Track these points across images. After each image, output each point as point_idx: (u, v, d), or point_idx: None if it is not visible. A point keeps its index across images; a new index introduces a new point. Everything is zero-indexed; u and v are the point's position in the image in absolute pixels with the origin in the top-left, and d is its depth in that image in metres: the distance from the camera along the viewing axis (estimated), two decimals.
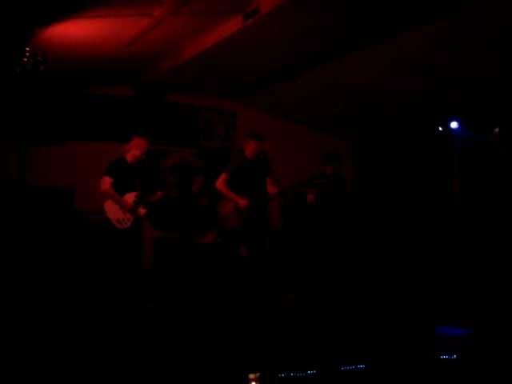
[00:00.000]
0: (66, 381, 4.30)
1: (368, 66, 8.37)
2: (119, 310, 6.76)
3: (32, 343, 5.28)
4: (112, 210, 7.20)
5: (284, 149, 10.47)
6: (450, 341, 5.51)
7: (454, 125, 9.30)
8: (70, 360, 4.77)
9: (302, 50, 7.96)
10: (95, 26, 6.94)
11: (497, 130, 9.17)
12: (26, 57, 6.55)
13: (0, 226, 7.84)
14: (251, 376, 3.73)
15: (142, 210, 7.31)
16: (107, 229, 7.39)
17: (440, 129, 9.41)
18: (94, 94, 9.77)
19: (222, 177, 7.59)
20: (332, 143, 11.01)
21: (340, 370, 4.71)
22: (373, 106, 9.85)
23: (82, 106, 9.68)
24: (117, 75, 9.29)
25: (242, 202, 7.37)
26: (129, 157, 7.36)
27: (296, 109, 10.83)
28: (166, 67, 8.75)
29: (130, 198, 7.24)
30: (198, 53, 7.94)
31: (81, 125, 9.65)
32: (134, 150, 7.36)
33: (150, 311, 6.99)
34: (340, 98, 9.75)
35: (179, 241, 8.44)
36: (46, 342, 5.33)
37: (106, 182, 7.18)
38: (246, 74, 9.18)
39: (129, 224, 7.22)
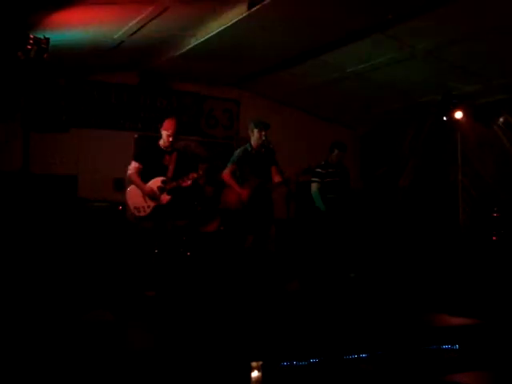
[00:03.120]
0: (67, 368, 4.32)
1: (372, 54, 8.33)
2: (122, 297, 6.76)
3: (33, 330, 5.30)
4: (132, 197, 7.10)
5: (288, 138, 10.45)
6: (452, 330, 5.51)
7: (458, 115, 9.27)
8: (72, 347, 4.79)
9: (307, 38, 7.92)
10: (99, 12, 6.91)
11: (501, 119, 9.15)
12: (30, 44, 6.54)
13: (4, 215, 7.86)
14: (254, 364, 3.74)
15: (164, 197, 7.14)
16: (110, 216, 7.38)
17: (444, 118, 9.38)
18: (98, 81, 9.75)
19: (229, 167, 7.60)
20: (337, 132, 11.00)
21: (342, 359, 4.72)
22: (377, 95, 9.83)
23: (86, 93, 9.67)
24: (121, 63, 9.26)
25: (242, 194, 7.37)
26: (161, 141, 7.23)
27: (300, 98, 10.79)
28: (171, 55, 8.72)
29: (155, 183, 7.10)
30: (202, 41, 7.91)
31: (84, 112, 9.64)
32: (163, 131, 7.20)
33: (153, 299, 7.00)
34: (344, 87, 9.72)
35: (183, 229, 8.43)
36: (47, 329, 5.35)
37: (133, 167, 7.10)
38: (250, 63, 9.15)
39: (148, 211, 7.08)
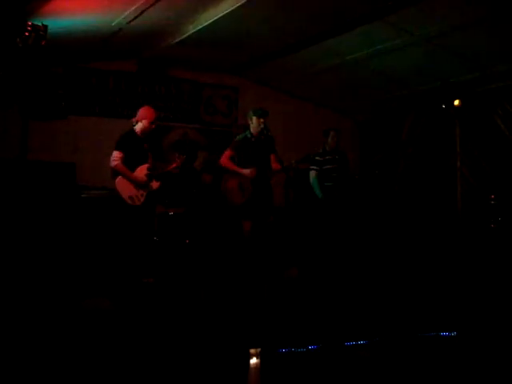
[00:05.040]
0: (66, 355, 4.34)
1: (371, 41, 8.31)
2: (120, 284, 6.77)
3: (32, 317, 5.32)
4: (123, 187, 6.99)
5: (287, 125, 10.46)
6: (450, 318, 5.53)
7: (457, 103, 9.26)
8: (71, 333, 4.81)
9: (306, 25, 7.90)
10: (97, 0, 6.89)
11: (500, 107, 9.14)
12: (28, 31, 6.51)
13: (2, 202, 7.87)
14: (252, 351, 3.75)
15: (154, 184, 7.16)
16: (109, 203, 7.37)
17: (443, 107, 9.37)
18: (96, 68, 9.74)
19: (226, 153, 7.59)
20: (336, 120, 10.99)
21: (341, 346, 4.74)
22: (377, 82, 9.81)
23: (84, 80, 9.65)
24: (119, 50, 9.24)
25: (247, 172, 7.36)
26: (138, 129, 7.14)
27: (299, 85, 10.77)
28: (169, 42, 8.69)
29: (142, 171, 7.08)
30: (200, 28, 7.88)
31: (83, 100, 9.63)
32: (142, 120, 7.13)
33: (151, 286, 7.01)
34: (344, 74, 9.70)
35: (181, 216, 8.45)
36: (46, 316, 5.37)
37: (117, 157, 6.95)
38: (249, 50, 9.12)
39: (142, 200, 7.03)
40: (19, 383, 3.96)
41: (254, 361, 3.72)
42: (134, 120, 7.22)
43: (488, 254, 8.37)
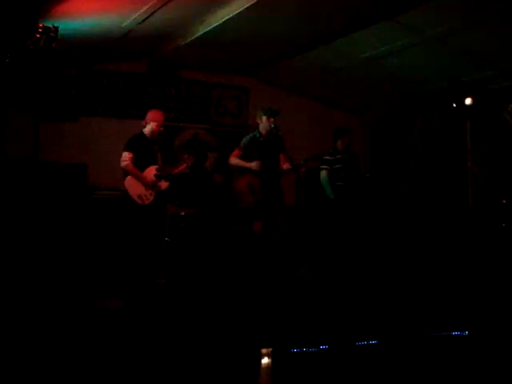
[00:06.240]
0: (76, 355, 4.36)
1: (381, 40, 8.30)
2: (132, 285, 6.80)
3: (43, 316, 5.35)
4: (133, 187, 7.11)
5: (297, 125, 10.45)
6: (460, 318, 5.52)
7: (468, 101, 9.22)
8: (81, 334, 4.84)
9: (316, 25, 7.89)
10: (108, 1, 6.90)
11: (511, 105, 9.10)
12: (39, 33, 6.55)
13: (15, 203, 7.91)
14: (264, 351, 3.76)
15: (163, 184, 7.24)
16: (120, 204, 7.42)
17: (454, 105, 9.34)
18: (106, 70, 9.75)
19: (235, 152, 7.60)
20: (346, 119, 10.97)
21: (352, 346, 4.74)
22: (387, 82, 9.79)
23: (95, 82, 9.67)
24: (129, 52, 9.26)
25: (254, 165, 7.37)
26: (147, 131, 7.28)
27: (309, 85, 10.77)
28: (179, 43, 8.70)
29: (151, 172, 7.17)
30: (210, 29, 7.89)
31: (94, 101, 9.65)
32: (151, 122, 7.27)
33: (163, 286, 7.04)
34: (354, 74, 9.69)
35: (193, 216, 8.47)
36: (57, 316, 5.40)
37: (126, 157, 7.10)
38: (259, 50, 9.11)
39: (151, 199, 7.13)
40: (30, 380, 3.99)
41: (265, 360, 3.74)
42: (143, 123, 7.32)
43: (499, 253, 8.34)
